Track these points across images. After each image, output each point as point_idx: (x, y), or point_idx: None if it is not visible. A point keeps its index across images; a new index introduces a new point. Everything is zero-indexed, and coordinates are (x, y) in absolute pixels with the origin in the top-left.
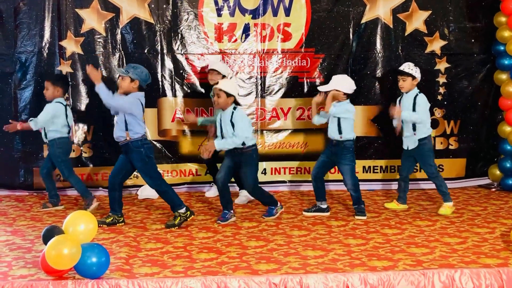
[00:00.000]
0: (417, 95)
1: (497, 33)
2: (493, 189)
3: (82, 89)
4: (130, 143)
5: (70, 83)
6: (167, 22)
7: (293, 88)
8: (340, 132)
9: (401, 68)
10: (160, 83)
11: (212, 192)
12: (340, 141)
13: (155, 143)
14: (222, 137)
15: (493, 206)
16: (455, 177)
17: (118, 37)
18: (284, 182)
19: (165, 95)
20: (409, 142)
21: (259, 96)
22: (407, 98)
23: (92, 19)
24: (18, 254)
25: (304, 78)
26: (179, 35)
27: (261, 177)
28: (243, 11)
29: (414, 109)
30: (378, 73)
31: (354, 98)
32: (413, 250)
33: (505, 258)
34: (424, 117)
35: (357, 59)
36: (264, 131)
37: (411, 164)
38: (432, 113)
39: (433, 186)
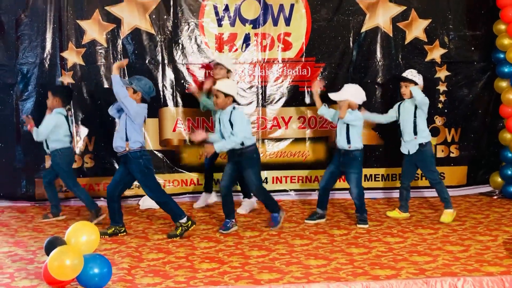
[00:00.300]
0: None
1: (497, 41)
2: (495, 197)
3: (84, 99)
4: (129, 153)
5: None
6: (168, 32)
7: (294, 97)
8: (348, 141)
9: (404, 74)
10: (161, 93)
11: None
12: (349, 151)
13: (156, 153)
14: (222, 135)
15: (495, 213)
16: (457, 185)
17: (119, 47)
18: (285, 191)
19: (167, 105)
20: (410, 146)
21: (260, 105)
22: (408, 104)
23: (94, 30)
24: (20, 265)
25: (305, 87)
26: (180, 45)
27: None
28: (244, 21)
29: (415, 115)
30: (379, 81)
31: None
32: (416, 258)
33: (508, 266)
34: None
35: (357, 67)
36: (265, 140)
37: (413, 171)
38: (433, 121)
39: (435, 193)
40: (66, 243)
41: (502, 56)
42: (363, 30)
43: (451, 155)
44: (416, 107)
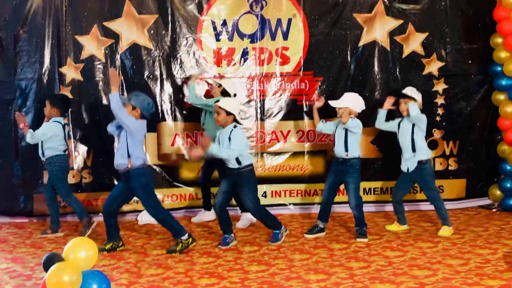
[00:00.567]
0: None
1: (494, 54)
2: (494, 210)
3: (82, 114)
4: (132, 170)
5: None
6: (166, 47)
7: (292, 111)
8: (346, 149)
9: (403, 91)
10: (160, 107)
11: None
12: (346, 159)
13: (155, 167)
14: None
15: (495, 226)
16: (456, 197)
17: (118, 63)
18: (284, 205)
19: (165, 120)
20: (410, 163)
21: (259, 119)
22: (407, 121)
23: (92, 45)
24: (18, 281)
25: (303, 101)
26: (178, 60)
27: (261, 200)
28: (242, 35)
29: (413, 131)
30: (377, 95)
31: None
32: (416, 272)
33: (508, 279)
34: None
35: (355, 81)
36: (264, 154)
37: (407, 188)
38: (431, 134)
39: (432, 207)
40: (65, 259)
41: (499, 69)
42: (360, 44)
43: (450, 168)
44: (414, 125)
